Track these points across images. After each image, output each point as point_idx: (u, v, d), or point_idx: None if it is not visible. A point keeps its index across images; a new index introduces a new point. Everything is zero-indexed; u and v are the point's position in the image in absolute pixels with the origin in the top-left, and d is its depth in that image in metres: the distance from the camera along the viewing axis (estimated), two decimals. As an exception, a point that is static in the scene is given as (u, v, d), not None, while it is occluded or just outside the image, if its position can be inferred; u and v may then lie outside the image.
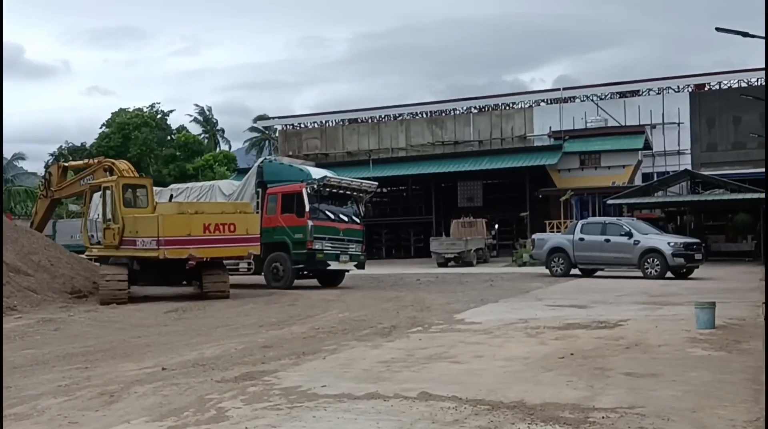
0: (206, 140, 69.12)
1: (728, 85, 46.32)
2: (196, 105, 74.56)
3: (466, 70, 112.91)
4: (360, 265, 21.50)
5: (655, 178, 41.87)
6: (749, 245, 37.04)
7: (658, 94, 46.73)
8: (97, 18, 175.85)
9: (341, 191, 21.14)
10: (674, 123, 45.21)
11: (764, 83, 43.25)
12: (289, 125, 55.90)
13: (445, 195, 45.98)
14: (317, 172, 21.37)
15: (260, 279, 21.68)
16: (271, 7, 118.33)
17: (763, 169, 38.14)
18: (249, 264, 20.93)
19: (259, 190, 21.42)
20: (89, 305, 16.58)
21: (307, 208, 20.08)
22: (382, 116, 53.10)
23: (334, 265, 20.69)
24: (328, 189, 20.57)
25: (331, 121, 54.61)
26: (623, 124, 44.66)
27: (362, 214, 21.97)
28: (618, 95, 48.22)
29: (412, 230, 45.43)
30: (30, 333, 12.35)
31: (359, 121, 53.59)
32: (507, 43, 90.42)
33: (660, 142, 44.59)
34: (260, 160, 22.61)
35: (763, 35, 13.71)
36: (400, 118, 52.36)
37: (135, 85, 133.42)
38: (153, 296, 18.69)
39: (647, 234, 23.66)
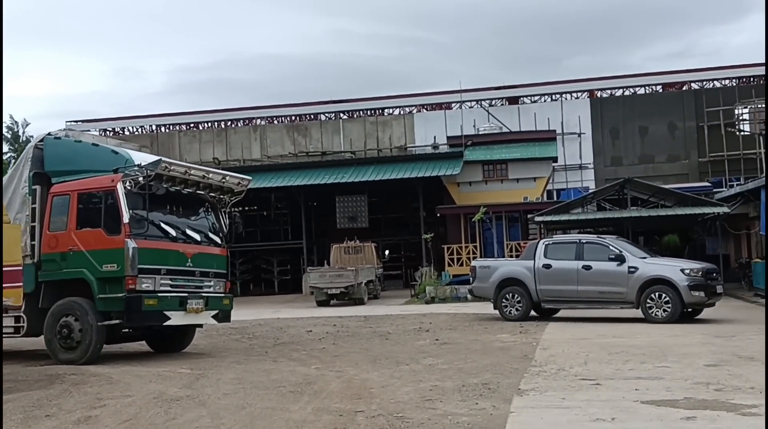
0: (12, 161, 55.96)
1: (632, 92, 41.45)
2: (10, 117, 60.31)
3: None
4: (223, 316, 12.54)
5: (555, 196, 35.96)
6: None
7: (554, 100, 40.95)
8: None
9: (188, 190, 12.14)
10: (575, 133, 39.47)
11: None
12: (108, 130, 45.25)
13: (318, 214, 37.19)
14: (142, 158, 12.20)
15: (36, 342, 12.28)
16: (84, 37, 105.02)
17: (677, 185, 33.10)
18: (17, 319, 11.53)
19: (38, 187, 12.01)
20: None
21: (126, 218, 10.98)
22: (229, 121, 44.01)
23: (176, 319, 11.58)
24: (165, 185, 11.54)
25: (165, 128, 44.72)
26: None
27: (226, 229, 13.02)
28: (507, 102, 42.15)
29: (275, 259, 36.25)
30: None
31: (200, 127, 44.06)
32: (327, 81, 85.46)
33: (560, 155, 38.51)
34: (39, 137, 12.92)
35: None
36: (252, 124, 43.43)
37: None
38: None
39: (644, 258, 16.40)
